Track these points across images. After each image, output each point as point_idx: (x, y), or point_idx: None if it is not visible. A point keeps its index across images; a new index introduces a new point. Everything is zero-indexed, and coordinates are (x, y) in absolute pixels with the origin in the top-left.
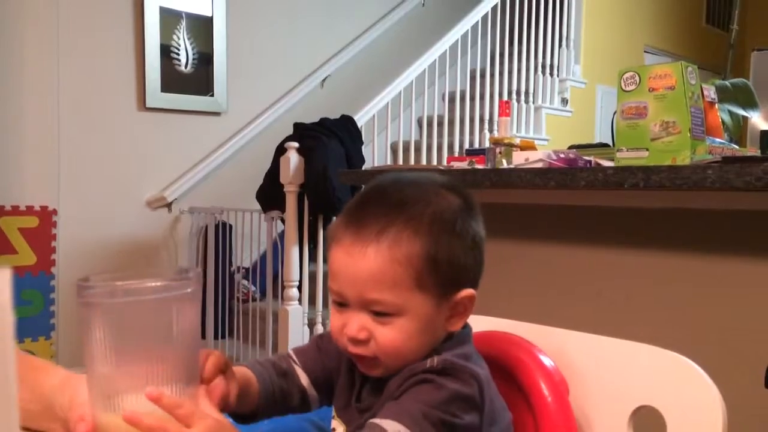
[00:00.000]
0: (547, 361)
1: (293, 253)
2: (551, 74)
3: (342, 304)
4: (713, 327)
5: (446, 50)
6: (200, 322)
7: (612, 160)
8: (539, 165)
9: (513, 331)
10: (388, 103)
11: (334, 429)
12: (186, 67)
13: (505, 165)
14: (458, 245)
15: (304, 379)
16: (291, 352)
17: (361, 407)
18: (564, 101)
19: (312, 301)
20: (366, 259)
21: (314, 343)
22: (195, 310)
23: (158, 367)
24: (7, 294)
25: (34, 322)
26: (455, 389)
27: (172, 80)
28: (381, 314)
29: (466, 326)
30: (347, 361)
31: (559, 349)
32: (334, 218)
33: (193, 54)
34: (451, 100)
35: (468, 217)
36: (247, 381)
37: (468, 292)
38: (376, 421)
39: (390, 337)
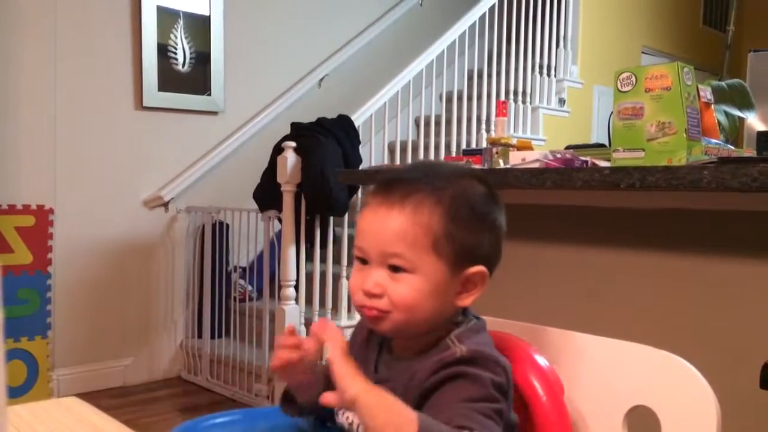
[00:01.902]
0: (541, 361)
1: (290, 252)
2: (548, 75)
3: (364, 262)
4: (709, 327)
5: (444, 50)
6: None
7: (608, 160)
8: (536, 165)
9: (508, 331)
10: (385, 102)
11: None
12: (183, 66)
13: (501, 165)
14: (476, 223)
15: None
16: None
17: (379, 378)
18: (561, 101)
19: (308, 300)
20: (390, 218)
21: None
22: None
23: None
24: None
25: (30, 321)
26: (490, 378)
27: (170, 79)
28: (397, 269)
29: (480, 319)
30: (361, 338)
31: (554, 348)
32: (332, 218)
33: (191, 53)
34: (449, 100)
35: (490, 203)
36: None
37: (480, 268)
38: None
39: (402, 292)
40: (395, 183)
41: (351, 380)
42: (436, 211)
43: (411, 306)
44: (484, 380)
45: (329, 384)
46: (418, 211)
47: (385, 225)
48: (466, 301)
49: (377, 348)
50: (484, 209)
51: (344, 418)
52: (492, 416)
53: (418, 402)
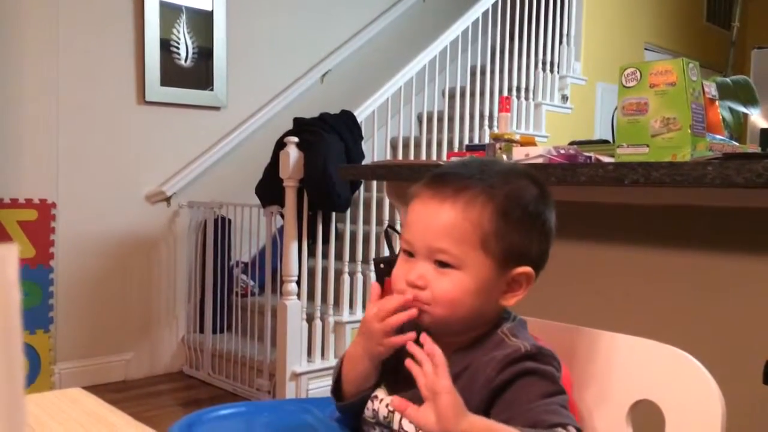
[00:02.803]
0: None
1: (292, 248)
2: (551, 71)
3: (410, 254)
4: (713, 323)
5: (447, 46)
6: None
7: (612, 156)
8: (539, 161)
9: None
10: (388, 98)
11: (375, 395)
12: (186, 61)
13: (505, 160)
14: (527, 224)
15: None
16: None
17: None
18: (564, 98)
19: (311, 296)
20: (440, 212)
21: None
22: None
23: None
24: (13, 270)
25: (32, 315)
26: (553, 372)
27: (172, 74)
28: (443, 264)
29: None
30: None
31: (561, 343)
32: (334, 213)
33: (193, 48)
34: (451, 97)
35: (542, 205)
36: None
37: (527, 269)
38: None
39: (446, 287)
40: (449, 177)
41: (461, 414)
42: (488, 208)
43: (453, 302)
44: (553, 375)
45: (384, 376)
46: (469, 207)
47: (434, 219)
48: (509, 301)
49: (415, 340)
50: (537, 210)
51: (382, 405)
52: (567, 408)
53: (488, 398)
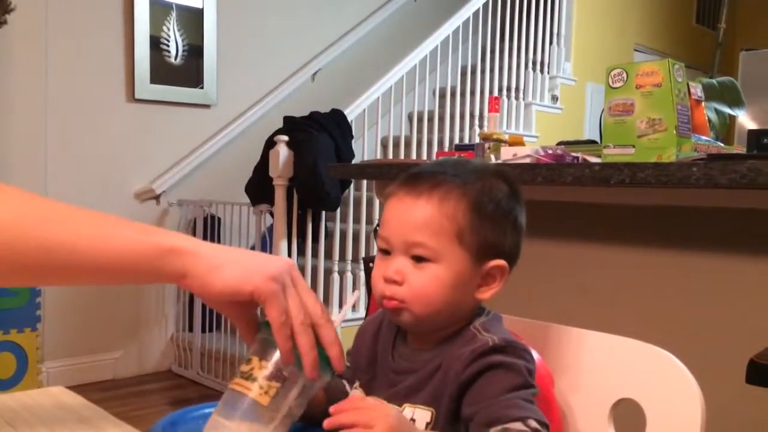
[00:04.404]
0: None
1: (282, 247)
2: (542, 71)
3: (386, 253)
4: (696, 322)
5: (437, 46)
6: None
7: (599, 156)
8: (527, 161)
9: None
10: (378, 97)
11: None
12: (176, 58)
13: (493, 160)
14: (500, 219)
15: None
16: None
17: (397, 368)
18: (554, 98)
19: None
20: (416, 207)
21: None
22: None
23: None
24: None
25: (20, 314)
26: (524, 365)
27: (162, 72)
28: (420, 259)
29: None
30: (371, 329)
31: (544, 341)
32: (323, 212)
33: (183, 46)
34: (442, 96)
35: (514, 201)
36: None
37: (501, 262)
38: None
39: (423, 281)
40: (423, 175)
41: None
42: (463, 203)
43: (430, 295)
44: (521, 368)
45: (359, 375)
46: (444, 202)
47: (411, 214)
48: (485, 294)
49: (392, 339)
50: (508, 206)
51: None
52: (533, 401)
53: (457, 393)
